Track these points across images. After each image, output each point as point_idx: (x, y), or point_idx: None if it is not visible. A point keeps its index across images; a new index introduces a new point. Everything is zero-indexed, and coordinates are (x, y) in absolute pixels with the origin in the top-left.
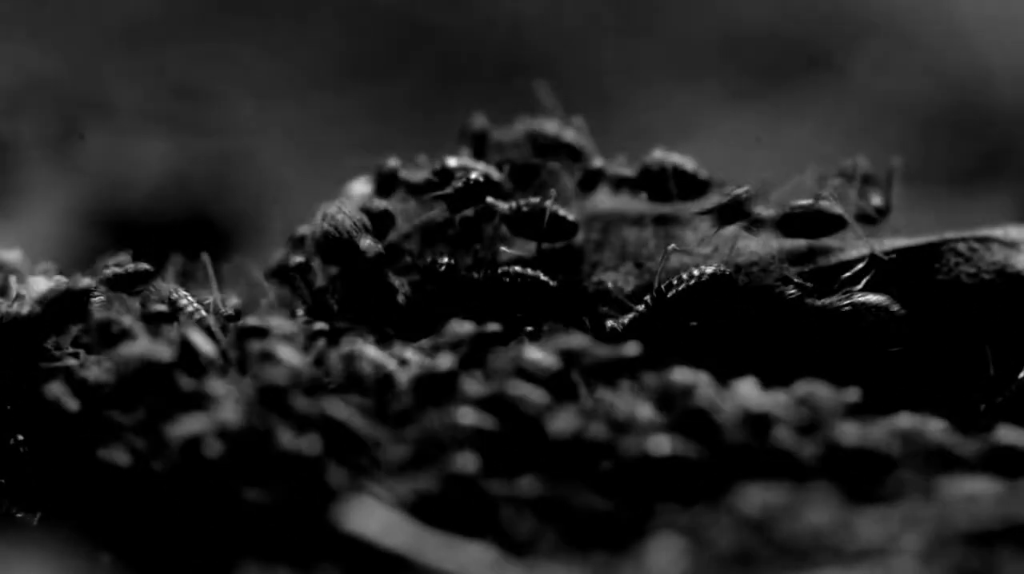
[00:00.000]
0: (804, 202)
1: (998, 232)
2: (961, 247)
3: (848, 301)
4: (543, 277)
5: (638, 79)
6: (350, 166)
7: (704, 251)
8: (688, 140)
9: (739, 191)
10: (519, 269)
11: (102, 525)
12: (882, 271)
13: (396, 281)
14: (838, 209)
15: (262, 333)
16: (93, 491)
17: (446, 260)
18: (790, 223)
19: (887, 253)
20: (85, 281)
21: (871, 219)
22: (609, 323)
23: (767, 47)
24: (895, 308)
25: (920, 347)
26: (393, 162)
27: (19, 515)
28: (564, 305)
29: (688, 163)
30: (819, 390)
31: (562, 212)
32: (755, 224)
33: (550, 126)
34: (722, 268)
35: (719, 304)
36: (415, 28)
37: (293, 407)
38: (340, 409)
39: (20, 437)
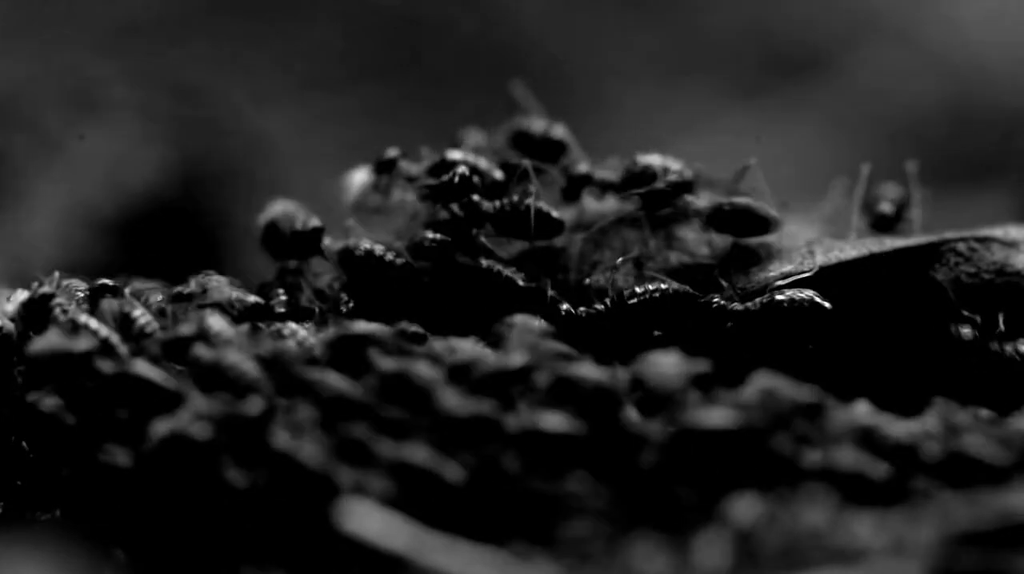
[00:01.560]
0: (735, 199)
1: (998, 232)
2: (961, 247)
3: (770, 299)
4: (521, 280)
5: (637, 78)
6: (350, 166)
7: (703, 252)
8: (687, 139)
9: (670, 179)
10: (500, 267)
11: (110, 525)
12: (883, 271)
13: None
14: (771, 211)
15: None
16: (96, 492)
17: (431, 236)
18: (719, 218)
19: (887, 253)
20: (44, 289)
21: (885, 225)
22: (564, 306)
23: (767, 46)
24: (821, 302)
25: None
26: (393, 151)
27: (44, 517)
28: (537, 302)
29: (674, 164)
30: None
31: (546, 209)
32: (684, 214)
33: (538, 124)
34: (686, 288)
35: (676, 320)
36: (415, 28)
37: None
38: (234, 354)
39: (24, 443)
